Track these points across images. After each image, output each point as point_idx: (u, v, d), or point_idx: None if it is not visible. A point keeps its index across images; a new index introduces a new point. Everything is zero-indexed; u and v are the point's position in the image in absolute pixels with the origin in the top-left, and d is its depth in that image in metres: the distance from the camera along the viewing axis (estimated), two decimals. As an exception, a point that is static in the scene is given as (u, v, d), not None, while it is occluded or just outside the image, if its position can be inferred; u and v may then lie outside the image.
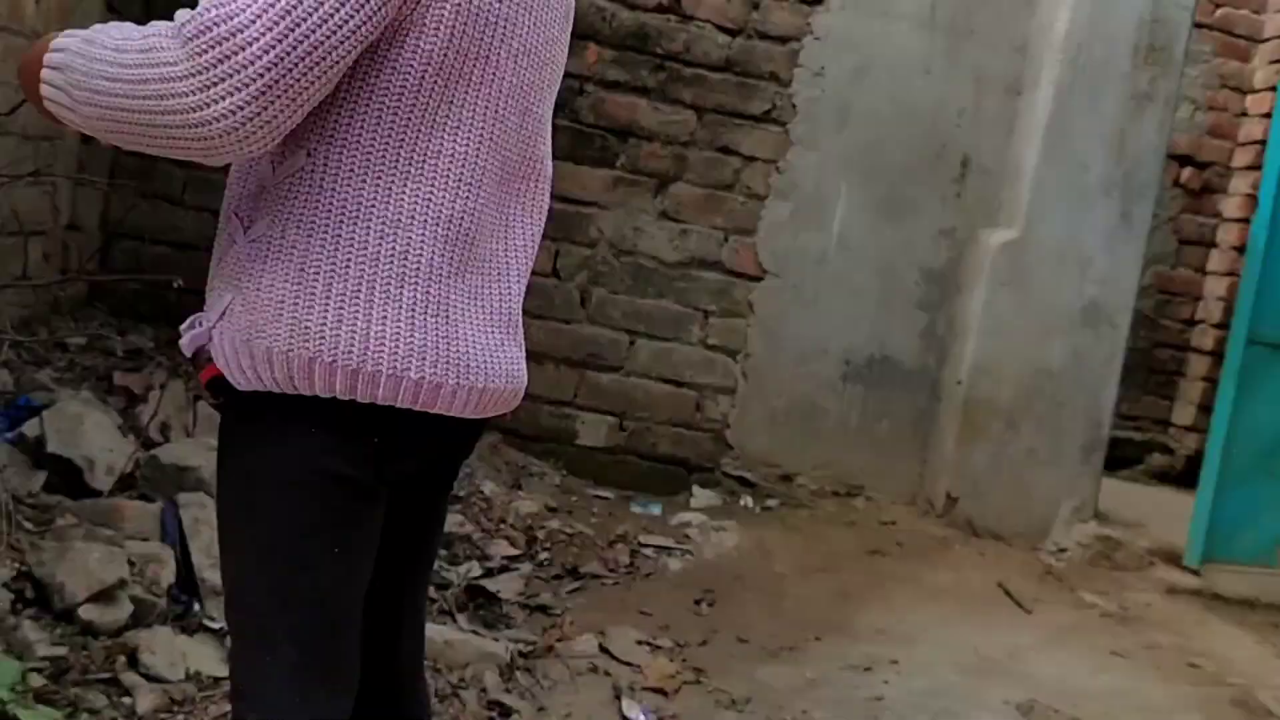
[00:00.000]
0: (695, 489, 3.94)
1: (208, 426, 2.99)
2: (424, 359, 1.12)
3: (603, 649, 2.79)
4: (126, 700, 2.01)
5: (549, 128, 1.32)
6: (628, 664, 2.74)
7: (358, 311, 1.10)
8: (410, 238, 1.11)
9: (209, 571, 2.42)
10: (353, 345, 1.09)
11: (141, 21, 1.10)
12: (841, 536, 3.78)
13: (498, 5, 1.13)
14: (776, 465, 3.98)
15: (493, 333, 1.20)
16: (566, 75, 3.68)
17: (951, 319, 3.95)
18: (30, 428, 2.62)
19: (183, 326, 1.21)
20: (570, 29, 1.34)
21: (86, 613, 2.13)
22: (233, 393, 1.16)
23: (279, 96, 1.01)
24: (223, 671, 2.15)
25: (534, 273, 3.69)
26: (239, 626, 1.23)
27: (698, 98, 3.85)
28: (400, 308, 1.11)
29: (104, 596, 2.17)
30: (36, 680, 1.95)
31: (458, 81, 1.12)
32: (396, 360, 1.11)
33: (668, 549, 3.54)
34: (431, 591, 2.87)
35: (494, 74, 1.14)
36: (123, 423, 2.86)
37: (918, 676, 2.86)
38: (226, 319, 1.13)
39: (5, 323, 2.97)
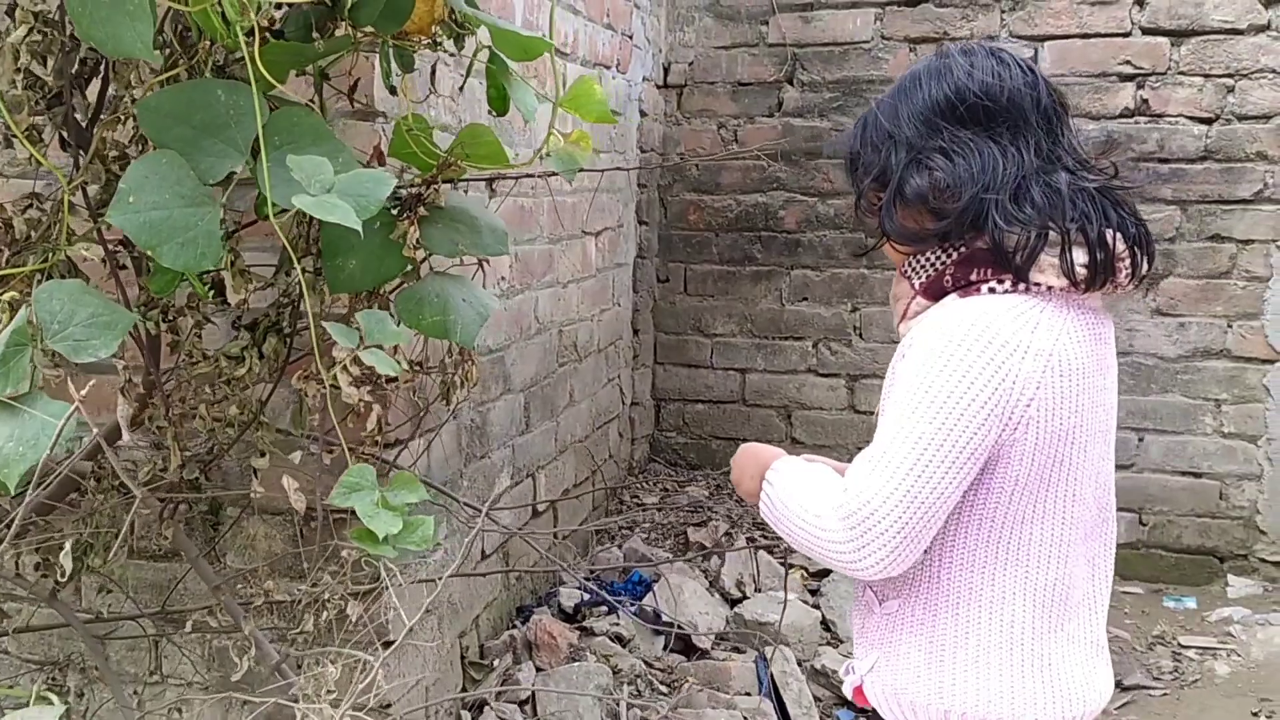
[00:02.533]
0: (1230, 578, 3.92)
1: (770, 580, 3.54)
2: (1034, 704, 1.47)
3: (1163, 773, 2.94)
4: None
5: (1112, 469, 1.57)
6: (1192, 790, 2.87)
7: (979, 673, 1.47)
8: (1014, 611, 1.46)
9: (803, 719, 2.94)
10: (979, 700, 1.47)
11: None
12: None
13: (1071, 417, 1.40)
14: (1320, 547, 3.85)
15: (1087, 664, 1.52)
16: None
17: None
18: (647, 600, 3.31)
19: (842, 671, 1.66)
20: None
21: (728, 773, 2.71)
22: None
23: (908, 548, 1.40)
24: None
25: None
26: None
27: (1178, 192, 3.86)
28: (1011, 668, 1.46)
29: (738, 757, 2.74)
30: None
31: (1041, 487, 1.43)
32: (1015, 710, 1.46)
33: (1212, 650, 3.58)
34: None
35: (1072, 472, 1.44)
36: (708, 582, 3.49)
37: None
38: (875, 673, 1.56)
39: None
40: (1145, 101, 3.86)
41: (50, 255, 1.57)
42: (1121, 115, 3.88)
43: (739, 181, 4.33)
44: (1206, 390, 3.90)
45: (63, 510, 2.03)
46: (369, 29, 1.59)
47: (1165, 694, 3.37)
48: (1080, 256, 1.39)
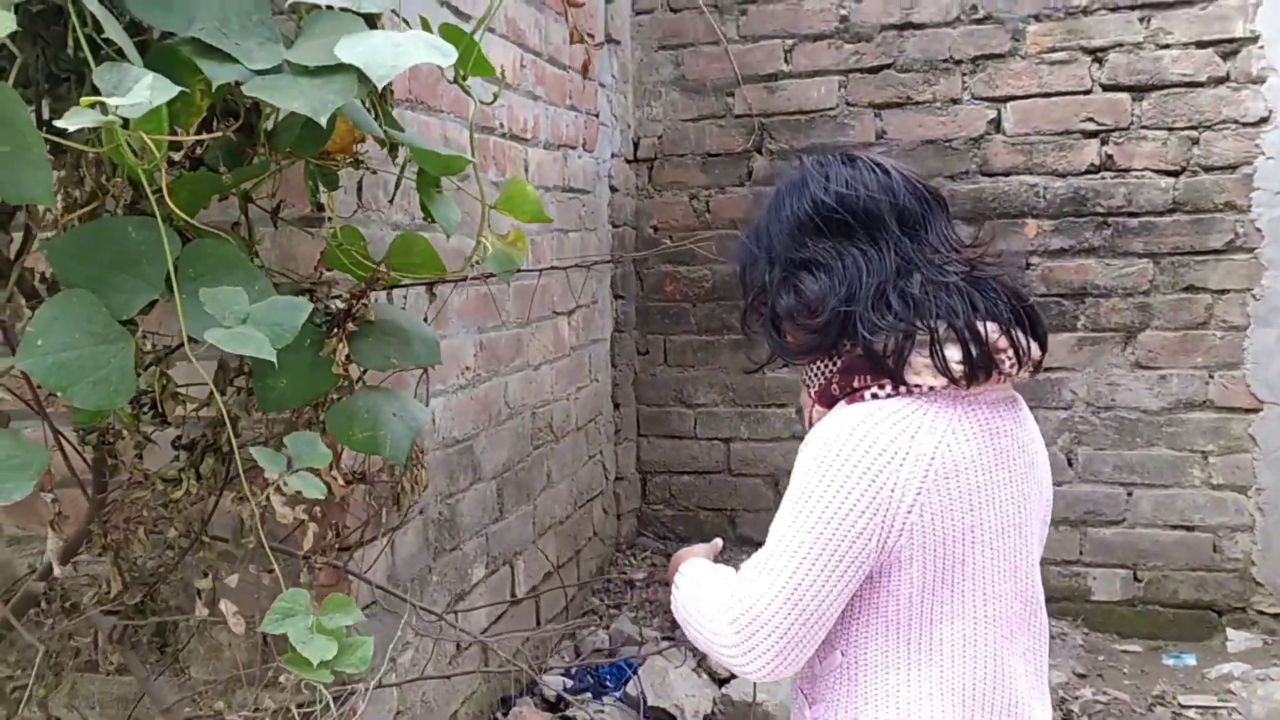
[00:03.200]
0: (1229, 631, 3.85)
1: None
2: None
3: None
4: None
5: (1038, 560, 1.56)
6: None
7: None
8: (933, 711, 1.43)
9: (792, 805, 2.88)
10: None
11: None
12: None
13: (964, 518, 1.40)
14: (1318, 597, 3.79)
15: None
16: (1011, 253, 3.86)
17: None
18: (631, 686, 3.26)
19: None
20: (1042, 462, 1.57)
21: None
22: None
23: (792, 652, 1.39)
24: None
25: None
26: None
27: (1149, 245, 3.86)
28: None
29: (722, 847, 2.68)
30: None
31: (943, 587, 1.41)
32: None
33: (1213, 709, 3.51)
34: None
35: (974, 570, 1.42)
36: (695, 662, 3.44)
37: None
38: None
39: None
40: (1110, 157, 3.87)
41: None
42: (1088, 171, 3.89)
43: (714, 251, 4.34)
44: (1192, 442, 3.87)
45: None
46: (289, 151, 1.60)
47: (1166, 758, 3.30)
48: (954, 353, 1.38)
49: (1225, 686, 3.60)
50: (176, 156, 1.58)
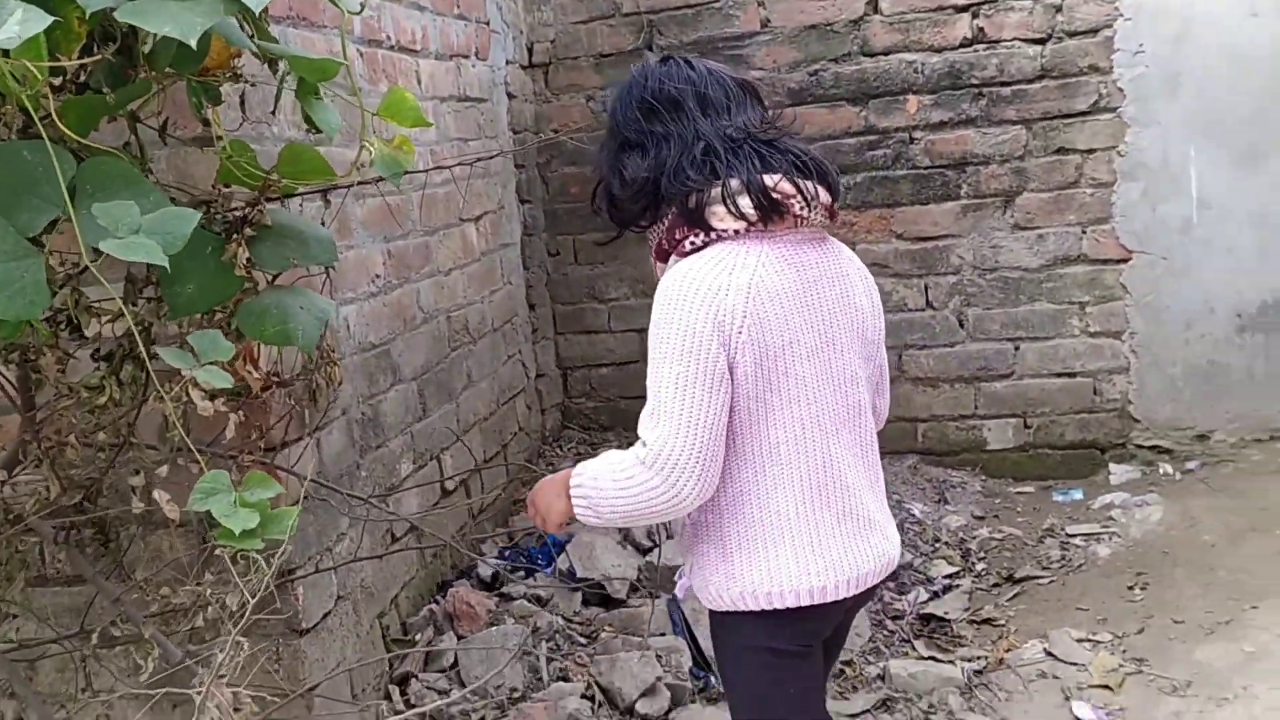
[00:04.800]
0: (1112, 466, 4.18)
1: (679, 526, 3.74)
2: (807, 574, 1.74)
3: (1048, 653, 3.18)
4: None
5: (864, 374, 1.85)
6: (1073, 664, 3.12)
7: (758, 558, 1.74)
8: (778, 502, 1.73)
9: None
10: (761, 579, 1.74)
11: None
12: (1270, 486, 3.85)
13: (782, 334, 1.68)
14: (1189, 427, 4.12)
15: (855, 538, 1.79)
16: (896, 130, 4.08)
17: (1345, 244, 3.86)
18: (561, 561, 3.49)
19: (677, 577, 1.89)
20: (866, 285, 1.87)
21: (641, 707, 2.90)
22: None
23: (710, 469, 1.66)
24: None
25: (910, 309, 4.32)
26: None
27: (1022, 111, 4.07)
28: (783, 548, 1.74)
29: (649, 691, 2.94)
30: (623, 763, 2.74)
31: (771, 394, 1.69)
32: (797, 582, 1.74)
33: (1095, 535, 3.84)
34: (889, 623, 3.43)
35: (797, 379, 1.70)
36: (620, 536, 3.68)
37: (1366, 634, 2.98)
38: (691, 574, 1.85)
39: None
40: (981, 30, 4.06)
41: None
42: (961, 45, 4.07)
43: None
44: (1070, 295, 4.14)
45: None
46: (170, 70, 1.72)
47: (1053, 581, 3.62)
48: (744, 201, 1.69)
49: (1107, 514, 3.94)
50: (59, 82, 1.69)
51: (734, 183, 1.69)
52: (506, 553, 3.61)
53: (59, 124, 1.48)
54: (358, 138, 1.88)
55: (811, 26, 4.20)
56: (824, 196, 1.75)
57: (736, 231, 1.70)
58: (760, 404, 1.69)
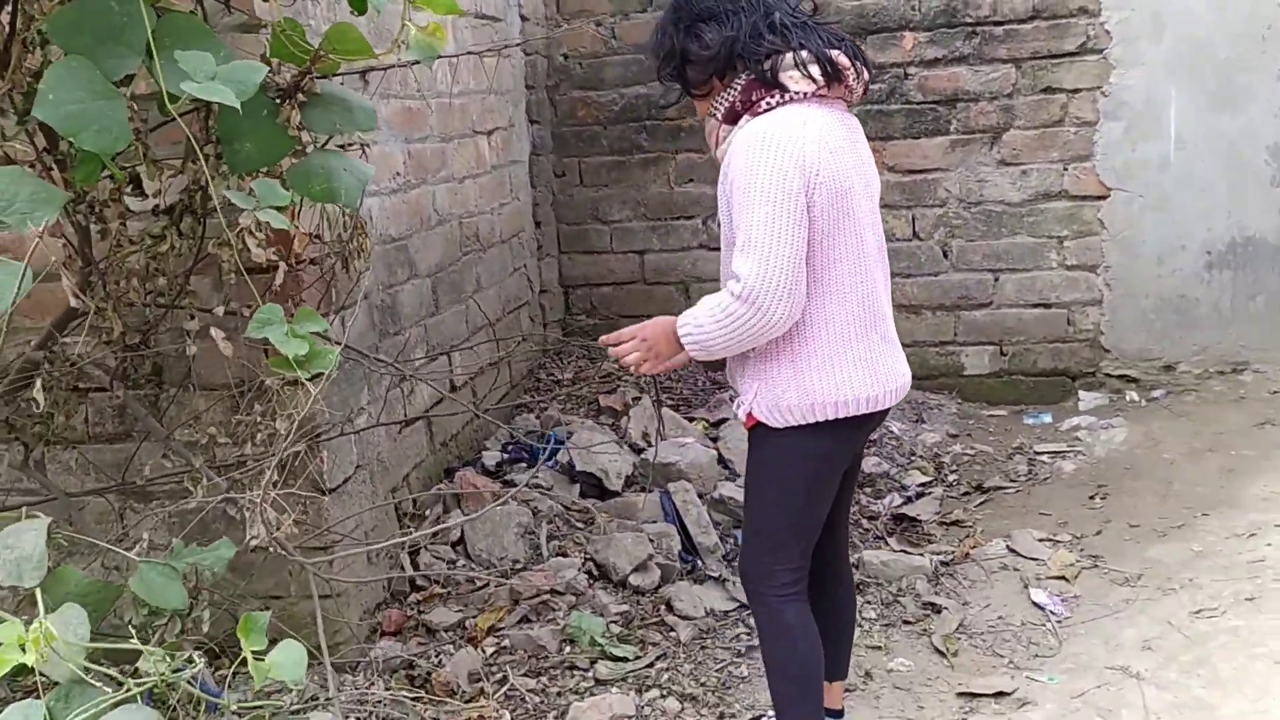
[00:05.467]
0: (1081, 393, 4.42)
1: (672, 429, 3.97)
2: (865, 385, 2.05)
3: (1010, 549, 3.42)
4: (673, 634, 2.99)
5: (880, 222, 2.16)
6: (1033, 559, 3.36)
7: (825, 372, 2.03)
8: (840, 326, 2.03)
9: (702, 537, 3.38)
10: (827, 390, 2.04)
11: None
12: (1229, 414, 4.09)
13: (845, 180, 1.98)
14: (1156, 358, 4.35)
15: (891, 358, 2.12)
16: (891, 65, 4.28)
17: (1311, 187, 4.08)
18: (562, 455, 3.71)
19: (734, 408, 2.23)
20: (870, 160, 2.16)
21: (633, 580, 3.14)
22: (764, 426, 2.11)
23: (798, 291, 1.94)
24: (729, 606, 3.09)
25: (898, 238, 4.61)
26: (758, 540, 2.18)
27: (1013, 51, 4.26)
28: (845, 364, 2.04)
29: (641, 568, 3.17)
30: (615, 629, 2.98)
31: (837, 233, 1.99)
32: (854, 391, 2.04)
33: (1061, 453, 4.08)
34: (864, 522, 3.67)
35: (856, 221, 2.01)
36: (617, 437, 3.91)
37: (1302, 536, 3.22)
38: (758, 397, 2.09)
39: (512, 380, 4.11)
40: (978, -31, 4.24)
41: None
42: (958, -17, 4.26)
43: (621, 76, 4.66)
44: (1050, 229, 4.35)
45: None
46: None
47: (1019, 491, 3.86)
48: (814, 68, 2.00)
49: (1074, 435, 4.18)
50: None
51: (804, 53, 2.00)
52: (510, 446, 3.83)
53: (145, -21, 1.67)
54: (385, 37, 2.06)
55: (815, -38, 4.36)
56: (865, 73, 2.08)
57: (804, 95, 1.99)
58: (830, 240, 1.98)
